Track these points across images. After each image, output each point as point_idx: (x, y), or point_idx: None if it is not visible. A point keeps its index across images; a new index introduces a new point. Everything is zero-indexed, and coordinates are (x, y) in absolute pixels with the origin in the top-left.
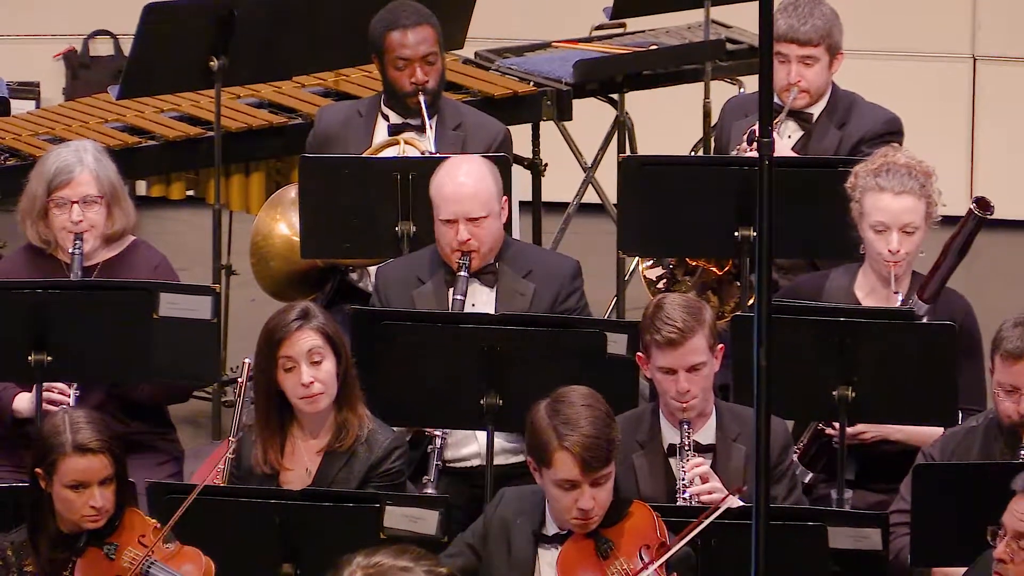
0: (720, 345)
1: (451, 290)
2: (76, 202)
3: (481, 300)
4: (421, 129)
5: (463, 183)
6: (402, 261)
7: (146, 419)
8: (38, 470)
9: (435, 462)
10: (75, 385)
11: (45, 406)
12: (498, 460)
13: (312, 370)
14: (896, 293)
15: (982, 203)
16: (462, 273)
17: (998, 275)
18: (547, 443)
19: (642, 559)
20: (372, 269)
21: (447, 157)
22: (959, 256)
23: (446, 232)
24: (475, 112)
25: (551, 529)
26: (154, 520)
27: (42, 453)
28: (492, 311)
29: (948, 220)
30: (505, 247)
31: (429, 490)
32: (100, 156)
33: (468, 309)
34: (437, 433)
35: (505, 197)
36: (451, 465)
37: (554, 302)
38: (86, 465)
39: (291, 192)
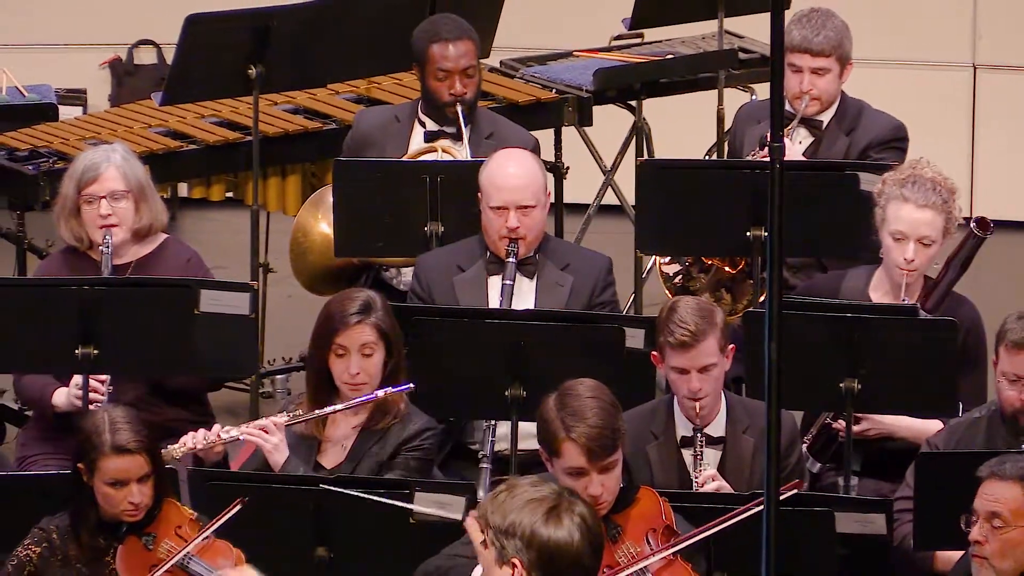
0: (731, 346)
1: (491, 279)
2: (104, 197)
3: (522, 290)
4: (457, 137)
5: (514, 173)
6: (443, 250)
7: (188, 408)
8: (79, 465)
9: (490, 439)
10: (109, 379)
11: (83, 398)
12: (524, 445)
13: (361, 361)
14: (904, 300)
15: (982, 223)
16: (511, 260)
17: (998, 274)
18: (555, 434)
19: (649, 543)
20: (406, 270)
21: (470, 160)
22: (960, 271)
23: (495, 219)
24: (507, 122)
25: None
26: (191, 511)
27: (83, 450)
28: (532, 300)
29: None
30: (545, 240)
31: (484, 464)
32: (128, 155)
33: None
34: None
35: (548, 191)
36: (473, 448)
37: (592, 294)
38: (124, 465)
39: (329, 195)
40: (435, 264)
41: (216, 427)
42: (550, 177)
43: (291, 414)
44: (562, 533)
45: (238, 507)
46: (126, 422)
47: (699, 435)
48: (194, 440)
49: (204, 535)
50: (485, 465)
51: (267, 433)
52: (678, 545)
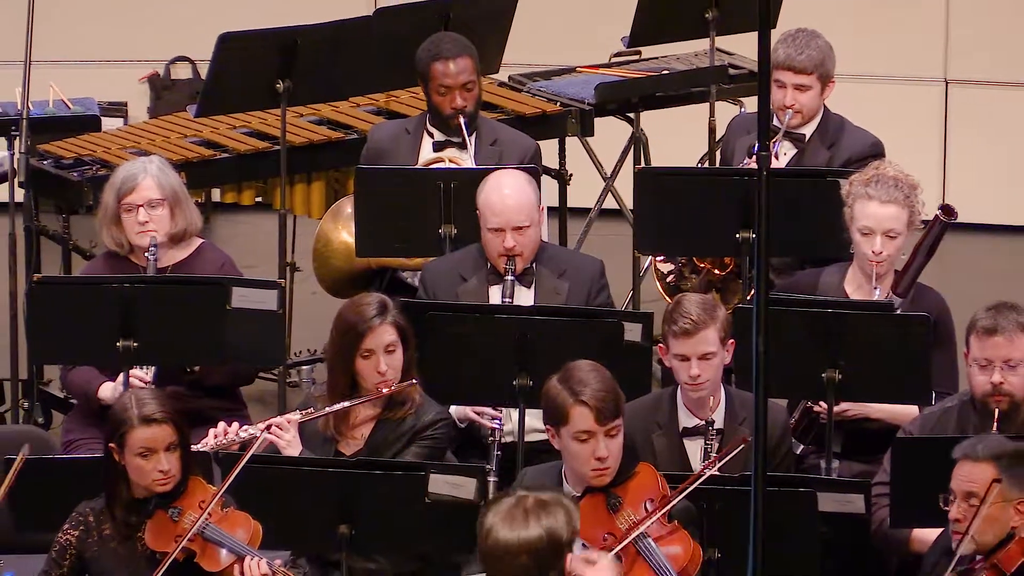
0: (731, 340)
1: (491, 288)
2: (142, 205)
3: (521, 299)
4: (462, 146)
5: (507, 195)
6: (447, 259)
7: (221, 398)
8: (111, 445)
9: (495, 453)
10: (152, 373)
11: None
12: (532, 437)
13: (387, 359)
14: (875, 289)
15: (947, 210)
16: (508, 277)
17: (967, 272)
18: (563, 402)
19: (646, 510)
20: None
21: (480, 168)
22: (928, 255)
23: (493, 239)
24: (509, 129)
25: (568, 491)
26: (214, 487)
27: (113, 428)
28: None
29: (923, 223)
30: (541, 250)
31: (491, 478)
32: (163, 166)
33: None
34: (495, 425)
35: (542, 206)
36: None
37: (587, 298)
38: (152, 434)
39: (347, 206)
40: (440, 273)
41: (235, 425)
42: (555, 184)
43: (303, 412)
44: None
45: (248, 456)
46: (151, 397)
47: (711, 428)
48: (216, 439)
49: (217, 497)
50: (493, 439)
51: (281, 430)
52: (669, 503)
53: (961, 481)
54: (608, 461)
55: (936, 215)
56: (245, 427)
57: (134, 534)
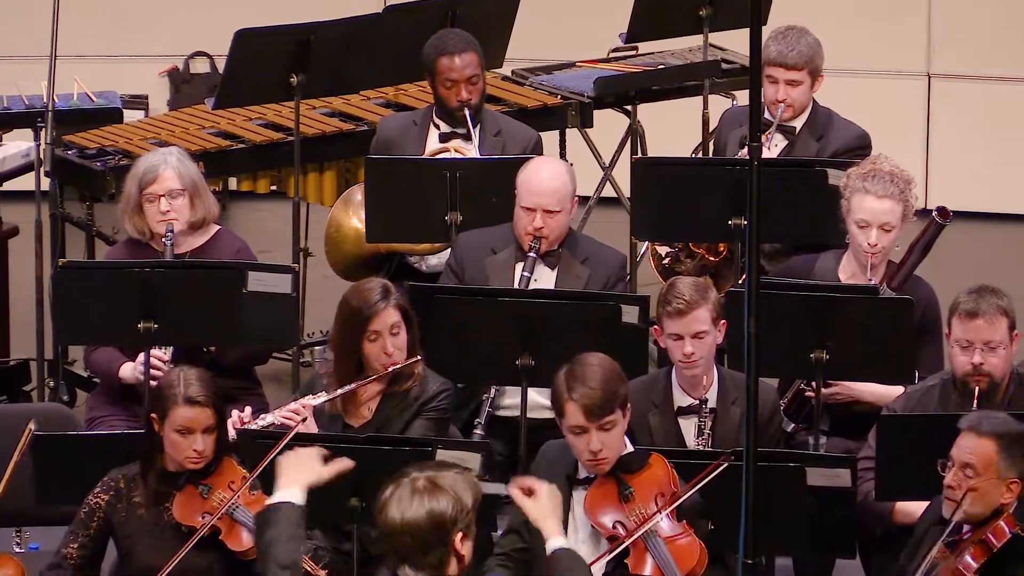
0: (723, 321)
1: (519, 265)
2: (163, 195)
3: (544, 278)
4: (467, 137)
5: (546, 179)
6: (482, 232)
7: (237, 377)
8: (153, 415)
9: (486, 409)
10: (170, 354)
11: (145, 371)
12: (536, 414)
13: (393, 340)
14: (870, 280)
15: (943, 212)
16: (531, 254)
17: (949, 257)
18: (559, 397)
19: (656, 505)
20: (432, 258)
21: (484, 158)
22: (922, 254)
23: (523, 216)
24: (512, 121)
25: (582, 473)
26: (244, 470)
27: (158, 401)
28: (552, 287)
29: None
30: (569, 236)
31: (478, 431)
32: (182, 157)
33: (532, 286)
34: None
35: (575, 198)
36: (496, 414)
37: (605, 287)
38: (193, 415)
39: (357, 194)
40: (472, 244)
41: (248, 411)
42: None
43: (317, 394)
44: None
45: (282, 445)
46: (198, 379)
47: (704, 406)
48: (234, 428)
49: (251, 480)
50: (479, 431)
51: (297, 415)
52: (674, 503)
53: (961, 451)
54: (603, 453)
55: (932, 217)
56: (262, 415)
57: (162, 503)
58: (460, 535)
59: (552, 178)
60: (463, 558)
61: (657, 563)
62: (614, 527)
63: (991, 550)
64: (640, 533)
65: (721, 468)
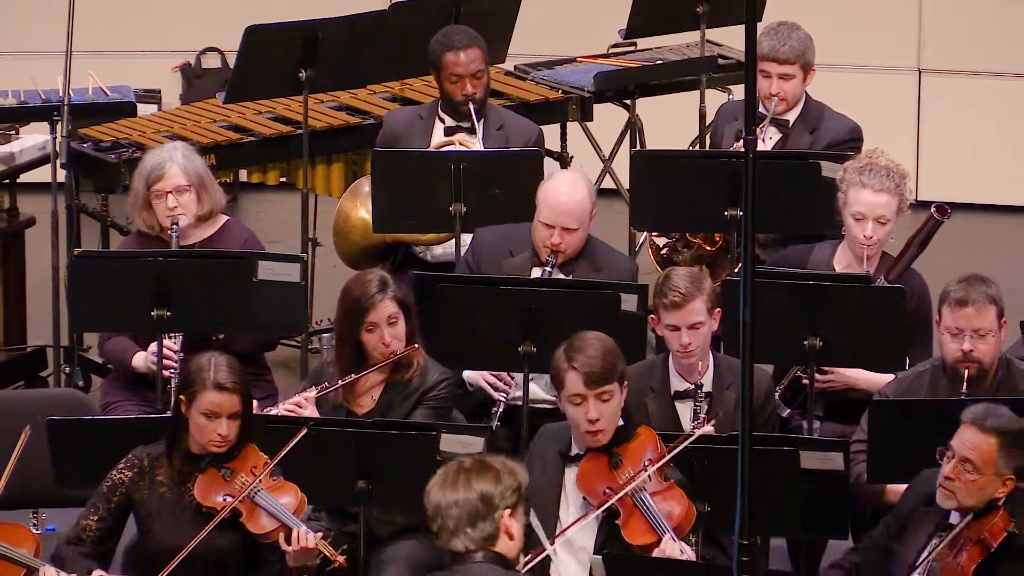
0: (718, 309)
1: (534, 269)
2: (170, 192)
3: None
4: (471, 131)
5: (565, 197)
6: (501, 230)
7: (247, 363)
8: (181, 397)
9: (496, 411)
10: (180, 341)
11: (157, 360)
12: (539, 405)
13: (390, 330)
14: (867, 271)
15: (941, 209)
16: (547, 267)
17: (938, 247)
18: (559, 367)
19: (644, 467)
20: (436, 248)
21: (487, 151)
22: (920, 249)
23: (542, 230)
24: (514, 115)
25: (574, 450)
26: (266, 456)
27: (187, 383)
28: None
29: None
30: (585, 244)
31: (495, 421)
32: (188, 152)
33: None
34: (501, 399)
35: (594, 211)
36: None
37: None
38: (220, 400)
39: (365, 186)
40: (490, 243)
41: (255, 404)
42: (556, 166)
43: (319, 385)
44: None
45: (303, 432)
46: (228, 366)
47: (700, 391)
48: None
49: (275, 462)
50: (496, 410)
51: (301, 408)
52: (663, 459)
53: (962, 444)
54: (600, 423)
55: (930, 213)
56: (268, 408)
57: (184, 483)
58: (508, 511)
59: (571, 197)
60: (512, 536)
61: (645, 517)
62: (604, 493)
63: (988, 549)
64: (628, 489)
65: (703, 430)
